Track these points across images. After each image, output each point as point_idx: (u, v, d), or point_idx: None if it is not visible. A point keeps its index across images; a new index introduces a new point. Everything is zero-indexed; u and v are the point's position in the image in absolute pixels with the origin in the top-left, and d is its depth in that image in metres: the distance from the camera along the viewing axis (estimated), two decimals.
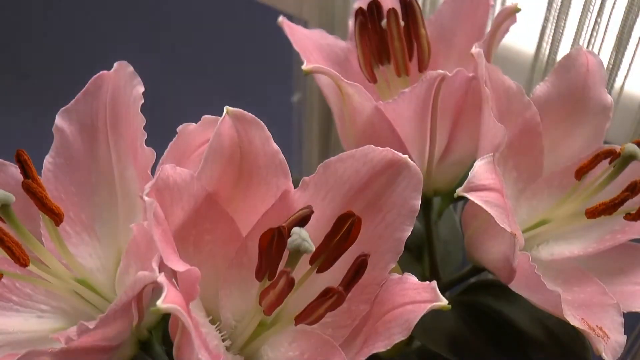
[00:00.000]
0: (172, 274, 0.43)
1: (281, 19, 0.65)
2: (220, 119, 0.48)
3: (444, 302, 0.44)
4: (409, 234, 0.48)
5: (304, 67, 0.58)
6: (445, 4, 0.68)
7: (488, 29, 0.63)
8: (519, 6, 0.60)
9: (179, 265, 0.42)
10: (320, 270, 0.47)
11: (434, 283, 0.45)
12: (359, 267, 0.46)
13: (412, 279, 0.47)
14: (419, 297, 0.45)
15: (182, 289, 0.43)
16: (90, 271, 0.54)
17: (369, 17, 0.63)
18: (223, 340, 0.48)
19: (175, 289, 0.41)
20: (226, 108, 0.48)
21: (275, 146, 0.50)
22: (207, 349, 0.43)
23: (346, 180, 0.49)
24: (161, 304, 0.39)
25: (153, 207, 0.42)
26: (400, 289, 0.47)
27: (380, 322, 0.46)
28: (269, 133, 0.50)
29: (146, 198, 0.42)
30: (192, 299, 0.43)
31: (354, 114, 0.62)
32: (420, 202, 0.48)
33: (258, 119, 0.49)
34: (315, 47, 0.66)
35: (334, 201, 0.50)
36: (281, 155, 0.50)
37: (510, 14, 0.61)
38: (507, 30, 0.64)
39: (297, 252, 0.45)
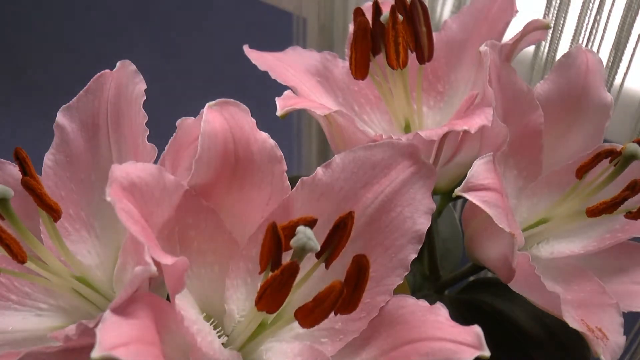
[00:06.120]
0: (157, 266, 0.42)
1: (245, 47, 0.64)
2: (205, 109, 0.48)
3: (487, 353, 0.41)
4: (427, 227, 0.48)
5: (278, 112, 0.56)
6: (467, 6, 0.67)
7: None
8: (550, 24, 0.59)
9: (167, 258, 0.42)
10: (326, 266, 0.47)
11: (479, 329, 0.43)
12: (359, 267, 0.45)
13: (446, 312, 0.46)
14: (461, 338, 0.43)
15: (168, 283, 0.43)
16: (89, 268, 0.54)
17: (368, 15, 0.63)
18: (219, 337, 0.48)
19: (117, 326, 0.39)
20: (208, 104, 0.49)
21: (263, 132, 0.50)
22: None
23: (363, 174, 0.49)
24: (95, 355, 0.36)
25: (117, 205, 0.41)
26: (435, 321, 0.45)
27: (411, 348, 0.44)
28: (254, 119, 0.50)
29: (109, 198, 0.41)
30: (177, 292, 0.43)
31: (340, 131, 0.62)
32: (432, 201, 0.49)
33: (241, 104, 0.49)
34: (291, 64, 0.65)
35: (349, 195, 0.49)
36: (272, 140, 0.50)
37: (539, 28, 0.60)
38: (532, 42, 0.63)
39: (301, 251, 0.44)
